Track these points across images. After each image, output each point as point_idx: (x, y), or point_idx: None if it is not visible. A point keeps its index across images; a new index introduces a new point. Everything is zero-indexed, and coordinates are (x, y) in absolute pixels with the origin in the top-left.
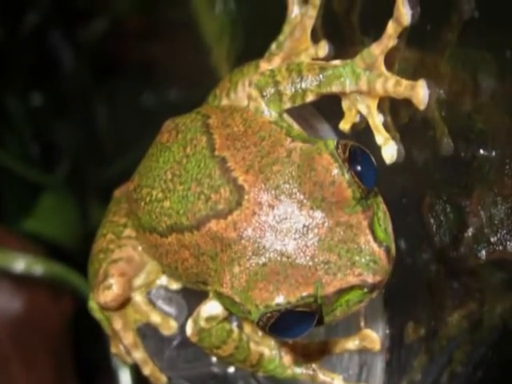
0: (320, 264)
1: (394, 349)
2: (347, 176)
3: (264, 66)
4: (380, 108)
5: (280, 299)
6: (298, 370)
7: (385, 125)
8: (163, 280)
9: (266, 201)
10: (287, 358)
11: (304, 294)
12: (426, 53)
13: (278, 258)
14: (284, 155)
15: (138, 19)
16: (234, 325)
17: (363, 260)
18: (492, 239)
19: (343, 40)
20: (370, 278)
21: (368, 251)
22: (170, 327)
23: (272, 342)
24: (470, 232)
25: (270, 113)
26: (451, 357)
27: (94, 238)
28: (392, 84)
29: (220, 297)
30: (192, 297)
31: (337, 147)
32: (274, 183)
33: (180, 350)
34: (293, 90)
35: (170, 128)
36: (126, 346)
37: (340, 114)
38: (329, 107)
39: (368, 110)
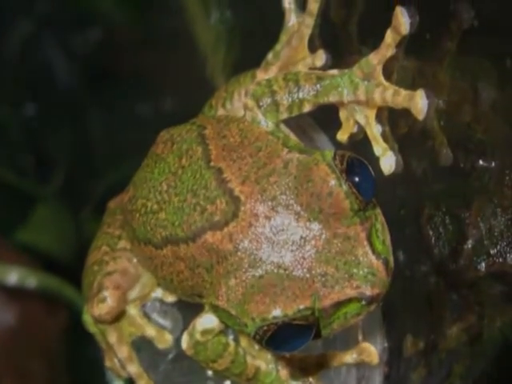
0: (317, 276)
1: (392, 362)
2: (345, 187)
3: (260, 75)
4: (378, 118)
5: (277, 312)
6: None
7: (383, 135)
8: (158, 293)
9: (263, 212)
10: (284, 372)
11: (301, 306)
12: (425, 62)
13: (275, 271)
14: (281, 166)
15: (133, 28)
16: (230, 338)
17: (361, 272)
18: (492, 251)
19: (341, 49)
20: (368, 291)
21: (366, 263)
22: (165, 340)
23: (269, 356)
24: (469, 244)
25: (266, 123)
26: (450, 370)
27: (88, 249)
28: (390, 94)
29: (216, 310)
30: (187, 310)
31: (334, 158)
32: (271, 194)
33: (175, 364)
34: (290, 99)
35: (165, 139)
36: (121, 360)
37: (337, 125)
38: (326, 117)
39: (366, 120)
